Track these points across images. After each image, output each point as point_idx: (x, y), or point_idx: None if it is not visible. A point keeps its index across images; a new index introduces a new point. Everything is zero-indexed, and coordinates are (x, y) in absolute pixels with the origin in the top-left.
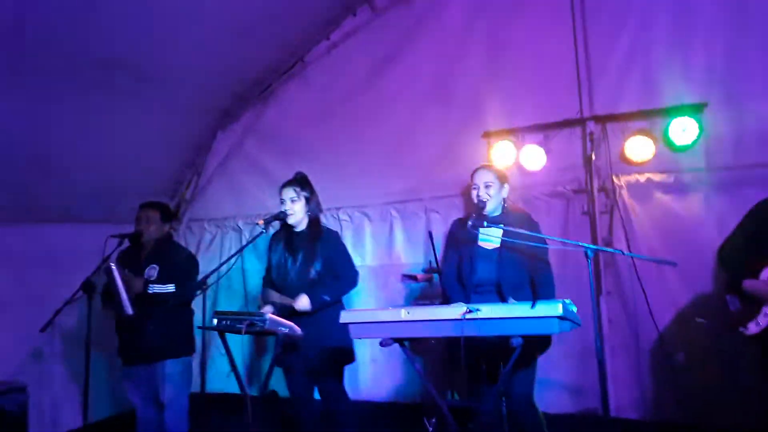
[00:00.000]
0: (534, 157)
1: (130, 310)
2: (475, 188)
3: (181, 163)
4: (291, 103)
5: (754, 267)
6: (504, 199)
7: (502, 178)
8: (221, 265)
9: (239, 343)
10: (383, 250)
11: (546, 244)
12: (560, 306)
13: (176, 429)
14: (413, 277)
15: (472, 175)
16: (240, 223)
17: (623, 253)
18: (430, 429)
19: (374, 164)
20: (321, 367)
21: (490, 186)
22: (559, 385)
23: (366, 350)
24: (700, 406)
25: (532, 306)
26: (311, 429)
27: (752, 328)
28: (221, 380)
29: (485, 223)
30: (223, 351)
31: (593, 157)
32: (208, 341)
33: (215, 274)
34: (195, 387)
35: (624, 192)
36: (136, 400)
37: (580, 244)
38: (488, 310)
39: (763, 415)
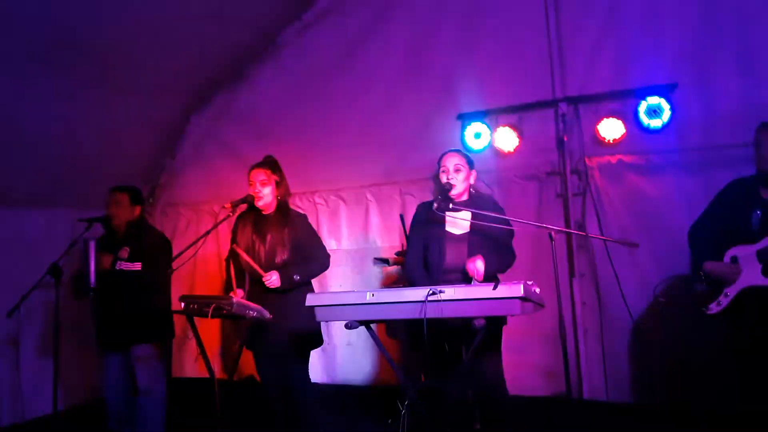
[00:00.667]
0: (508, 139)
1: (92, 282)
2: (443, 171)
3: (155, 148)
4: (264, 85)
5: (719, 248)
6: (471, 185)
7: (470, 163)
8: (188, 247)
9: (215, 328)
10: (359, 234)
11: (511, 227)
12: (521, 287)
13: (153, 415)
14: (385, 261)
15: (440, 159)
16: (215, 208)
17: (586, 235)
18: (403, 411)
19: (349, 147)
20: (288, 350)
21: (460, 170)
22: (533, 367)
23: (342, 334)
24: (673, 387)
25: (494, 287)
26: (279, 412)
27: (713, 308)
28: (196, 365)
29: (450, 206)
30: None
31: (566, 138)
32: (184, 326)
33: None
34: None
35: (596, 173)
36: (107, 386)
37: (544, 226)
38: (451, 292)
39: (726, 395)
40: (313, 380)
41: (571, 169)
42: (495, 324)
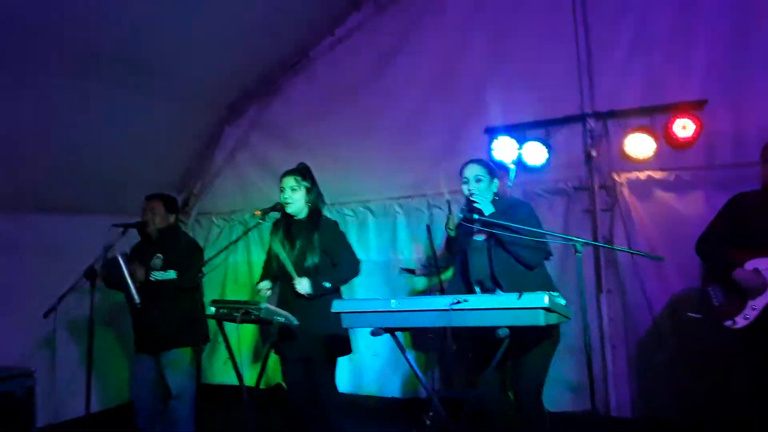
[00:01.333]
0: (535, 152)
1: (137, 299)
2: (465, 182)
3: (190, 157)
4: (296, 97)
5: (736, 258)
6: (495, 193)
7: (492, 172)
8: (219, 252)
9: (246, 334)
10: (387, 246)
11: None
12: (546, 297)
13: (184, 418)
14: (411, 271)
15: (462, 170)
16: (247, 217)
17: (612, 248)
18: (428, 422)
19: (378, 159)
20: (315, 356)
21: (481, 180)
22: (562, 382)
23: (368, 343)
24: (699, 404)
25: (519, 297)
26: (305, 420)
27: (740, 321)
28: (223, 372)
29: (476, 216)
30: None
31: (594, 153)
32: (216, 332)
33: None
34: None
35: (625, 189)
36: (137, 386)
37: (570, 237)
38: (475, 301)
39: (750, 412)
40: (339, 390)
41: (600, 185)
42: (541, 334)
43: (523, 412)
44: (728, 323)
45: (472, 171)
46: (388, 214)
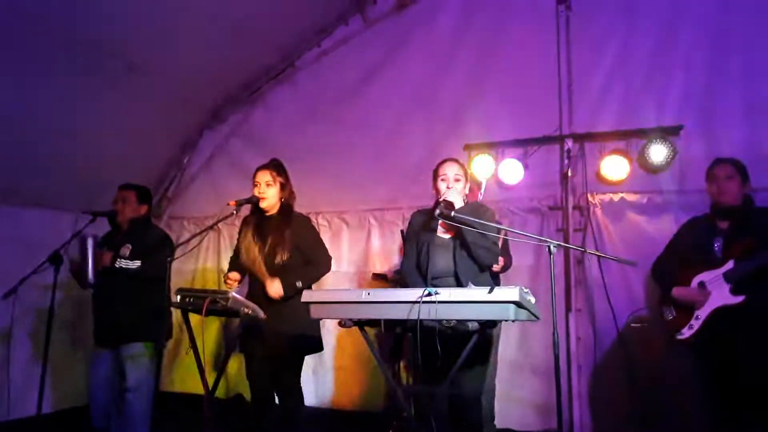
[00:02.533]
0: (512, 171)
1: (92, 279)
2: (443, 179)
3: (166, 159)
4: (279, 106)
5: (683, 278)
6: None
7: (467, 174)
8: (189, 239)
9: (209, 340)
10: (360, 257)
11: (503, 233)
12: (517, 291)
13: (140, 414)
14: (383, 276)
15: (438, 167)
16: (219, 224)
17: (585, 251)
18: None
19: (356, 171)
20: (282, 354)
21: (459, 180)
22: (525, 402)
23: (332, 357)
24: (667, 425)
25: (490, 291)
26: (266, 423)
27: (686, 332)
28: (184, 380)
29: (453, 214)
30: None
31: (570, 174)
32: (179, 341)
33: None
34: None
35: (598, 210)
36: (94, 381)
37: (544, 238)
38: (446, 294)
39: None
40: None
41: (574, 205)
42: (485, 340)
43: (465, 416)
44: (678, 335)
45: (453, 170)
46: (363, 226)
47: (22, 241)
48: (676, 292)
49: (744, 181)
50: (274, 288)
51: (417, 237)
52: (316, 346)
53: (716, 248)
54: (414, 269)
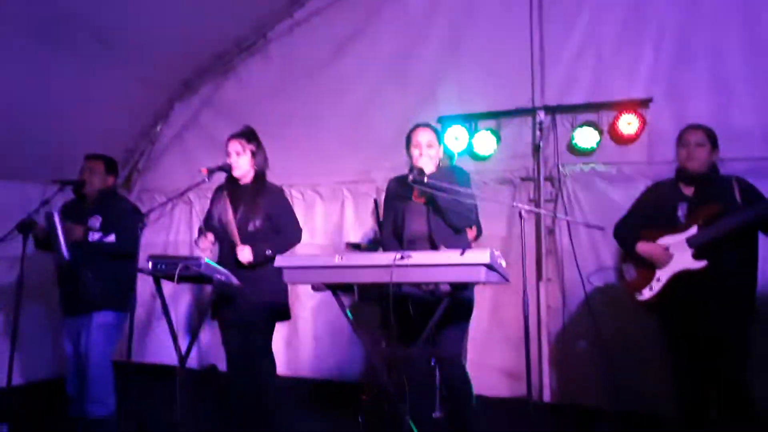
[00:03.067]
0: (486, 143)
1: (66, 255)
2: (416, 146)
3: (136, 132)
4: (251, 78)
5: (648, 238)
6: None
7: (440, 138)
8: (161, 205)
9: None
10: (333, 230)
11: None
12: (488, 254)
13: (103, 377)
14: (357, 245)
15: (411, 133)
16: (191, 196)
17: (555, 216)
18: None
19: (329, 144)
20: (254, 321)
21: (432, 146)
22: (497, 369)
23: (309, 327)
24: (634, 393)
25: (462, 253)
26: (240, 393)
27: (645, 293)
28: (159, 351)
29: (426, 180)
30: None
31: (542, 145)
32: (151, 311)
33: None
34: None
35: (569, 181)
36: (68, 350)
37: (514, 204)
38: (419, 257)
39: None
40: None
41: (545, 176)
42: (462, 302)
43: (449, 376)
44: (637, 295)
45: (426, 136)
46: (336, 198)
47: None
48: (641, 247)
49: (713, 149)
50: (244, 254)
51: (393, 203)
52: (285, 313)
53: (680, 213)
54: (391, 235)
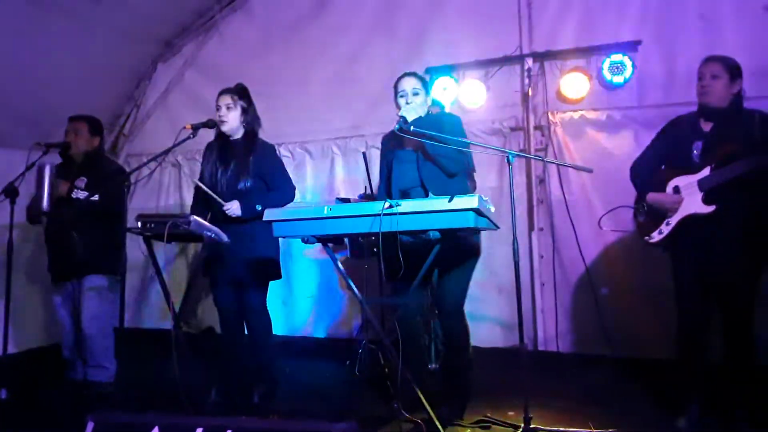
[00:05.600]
0: (474, 93)
1: (45, 206)
2: (402, 95)
3: (119, 95)
4: (234, 35)
5: (660, 181)
6: (429, 108)
7: (426, 86)
8: (147, 163)
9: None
10: (324, 187)
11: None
12: (476, 199)
13: (102, 342)
14: (346, 200)
15: (397, 82)
16: (179, 158)
17: (543, 160)
18: (360, 350)
19: (317, 100)
20: (247, 279)
21: (418, 94)
22: (492, 320)
23: (303, 287)
24: (627, 338)
25: (450, 199)
26: (236, 350)
27: (655, 236)
28: (154, 316)
29: (412, 128)
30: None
31: (530, 94)
32: (147, 278)
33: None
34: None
35: (558, 129)
36: (61, 315)
37: (502, 149)
38: (407, 205)
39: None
40: (273, 333)
41: (535, 125)
42: (464, 250)
43: (447, 326)
44: (646, 238)
45: (410, 84)
46: (326, 155)
47: None
48: (651, 197)
49: (732, 81)
50: (233, 209)
51: (385, 157)
52: (276, 272)
53: (695, 152)
54: (384, 188)
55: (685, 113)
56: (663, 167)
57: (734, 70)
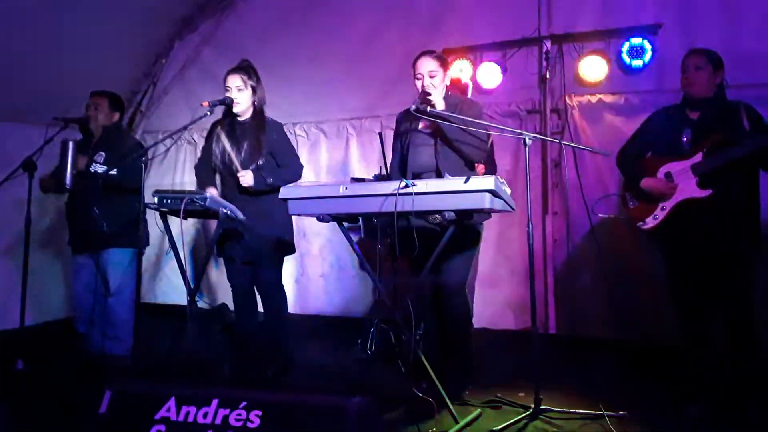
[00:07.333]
0: (491, 75)
1: (68, 183)
2: (419, 78)
3: (138, 72)
4: (251, 13)
5: (650, 167)
6: (446, 87)
7: (444, 66)
8: (164, 139)
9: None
10: (338, 167)
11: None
12: (492, 179)
13: (123, 315)
14: (361, 180)
15: (414, 63)
16: (195, 136)
17: (560, 142)
18: (372, 329)
19: (332, 79)
20: (262, 256)
21: (435, 75)
22: (503, 303)
23: (316, 265)
24: (639, 323)
25: (466, 180)
26: (250, 329)
27: (649, 222)
28: (166, 292)
29: (429, 110)
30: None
31: (548, 76)
32: (160, 253)
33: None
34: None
35: (576, 112)
36: (77, 287)
37: (519, 131)
38: (423, 185)
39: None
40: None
41: (552, 108)
42: (467, 232)
43: (451, 304)
44: (640, 224)
45: (427, 65)
46: (341, 135)
47: None
48: (645, 183)
49: (715, 71)
50: (246, 179)
51: (400, 136)
52: (290, 248)
53: (684, 140)
54: (398, 168)
55: (669, 105)
56: (650, 154)
57: (717, 62)
